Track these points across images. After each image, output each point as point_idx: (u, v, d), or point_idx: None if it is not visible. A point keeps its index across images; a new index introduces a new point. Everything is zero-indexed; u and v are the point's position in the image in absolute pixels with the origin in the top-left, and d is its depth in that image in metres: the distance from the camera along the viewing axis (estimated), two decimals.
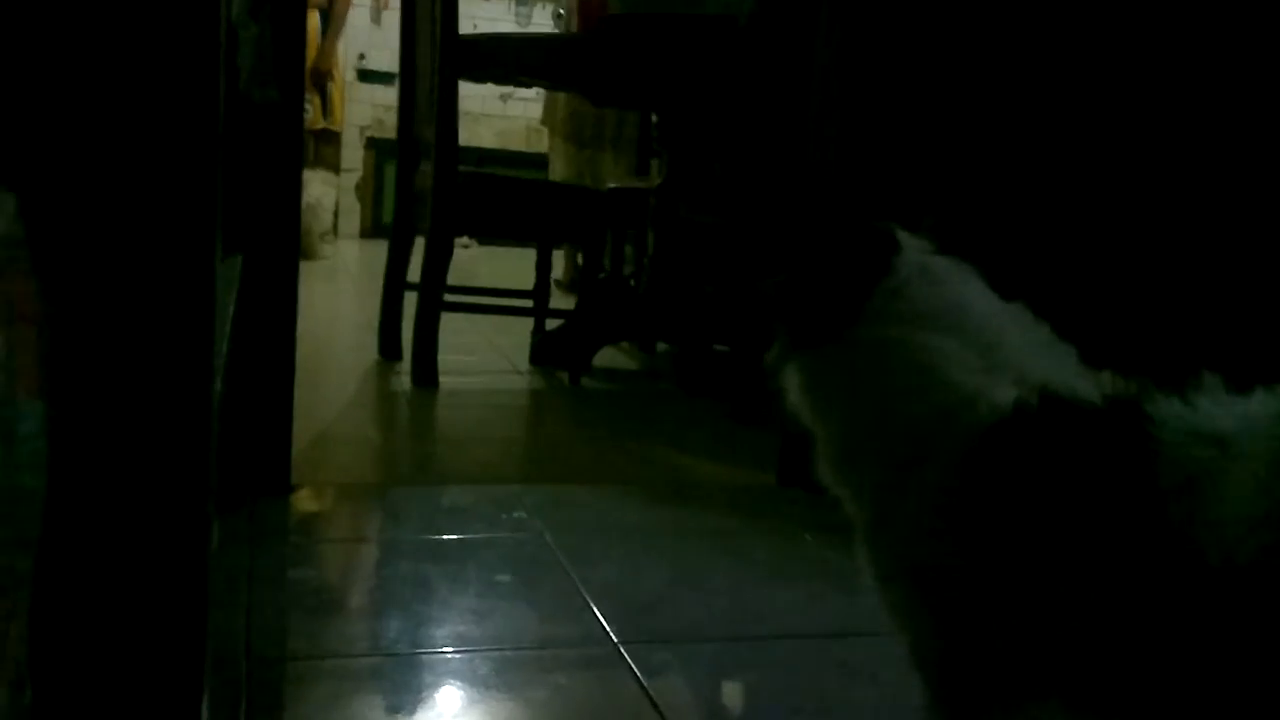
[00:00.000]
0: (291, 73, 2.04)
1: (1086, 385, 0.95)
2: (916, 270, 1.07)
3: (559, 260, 5.47)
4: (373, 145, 8.42)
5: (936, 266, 1.08)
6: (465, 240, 6.73)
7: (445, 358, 3.28)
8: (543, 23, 8.10)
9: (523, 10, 8.34)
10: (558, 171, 5.43)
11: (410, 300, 3.43)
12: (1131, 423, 0.87)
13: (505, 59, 3.54)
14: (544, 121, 5.80)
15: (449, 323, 3.32)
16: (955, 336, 1.02)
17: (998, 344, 1.01)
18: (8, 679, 0.69)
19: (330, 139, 7.52)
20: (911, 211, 1.13)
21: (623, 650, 1.49)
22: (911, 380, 1.02)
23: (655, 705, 1.35)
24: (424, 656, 1.47)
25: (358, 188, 8.43)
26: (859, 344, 1.06)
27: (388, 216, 7.64)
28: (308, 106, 7.00)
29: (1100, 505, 0.88)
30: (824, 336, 1.09)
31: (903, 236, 1.09)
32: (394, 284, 3.61)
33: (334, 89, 7.40)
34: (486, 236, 6.06)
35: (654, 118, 4.28)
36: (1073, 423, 0.92)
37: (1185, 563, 0.82)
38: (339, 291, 5.54)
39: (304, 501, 2.12)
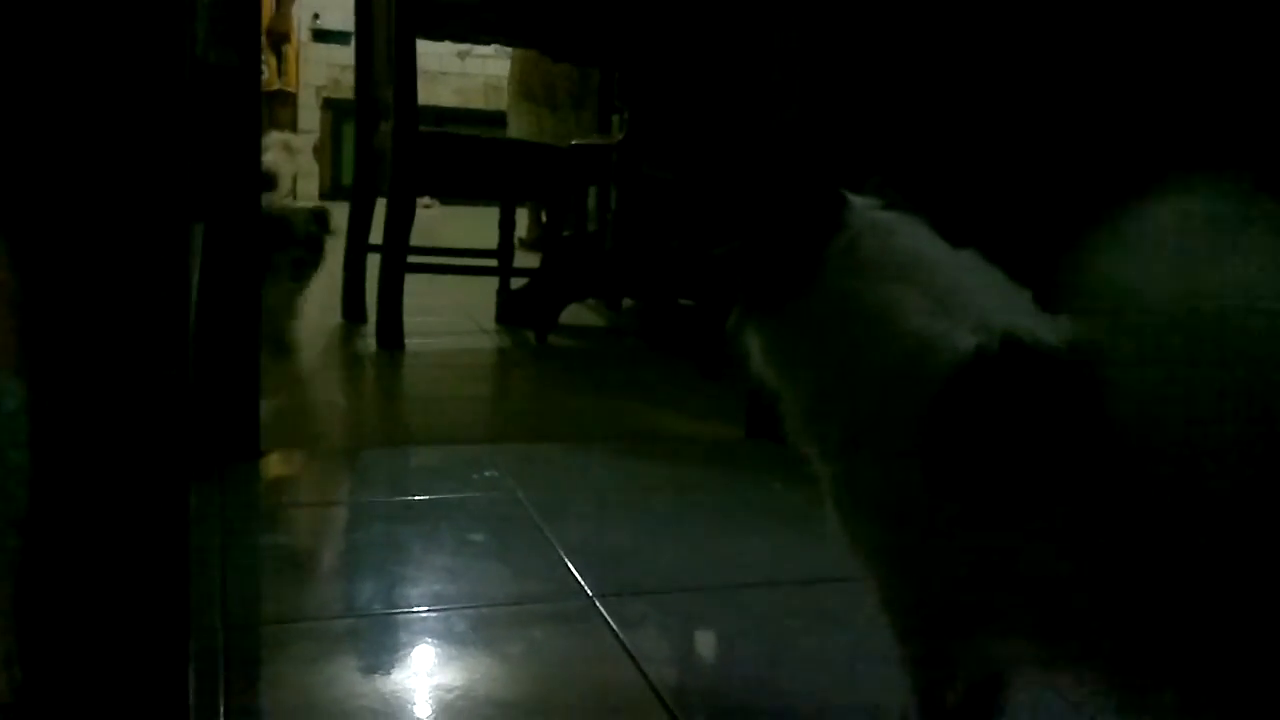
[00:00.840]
0: (248, 35, 2.01)
1: (1047, 329, 0.96)
2: (867, 224, 1.08)
3: (522, 218, 5.45)
4: (330, 106, 8.33)
5: (886, 220, 1.09)
6: (427, 200, 6.69)
7: (410, 319, 3.27)
8: None
9: None
10: (516, 131, 5.40)
11: (373, 262, 3.41)
12: (1092, 366, 0.89)
13: (463, 16, 3.51)
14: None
15: (413, 284, 3.30)
16: (911, 285, 1.03)
17: (953, 290, 1.03)
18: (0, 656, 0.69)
19: (286, 100, 7.44)
20: (864, 170, 1.14)
21: (598, 603, 1.51)
22: (871, 331, 1.03)
23: (631, 656, 1.36)
24: (400, 616, 1.48)
25: (315, 149, 8.35)
26: (814, 301, 1.07)
27: (347, 178, 7.55)
28: (264, 68, 6.92)
29: (1061, 447, 0.90)
30: (779, 298, 1.10)
31: (849, 195, 1.10)
32: (356, 246, 3.59)
33: (289, 50, 7.32)
34: (448, 196, 6.02)
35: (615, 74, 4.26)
36: (1034, 366, 0.93)
37: (1143, 501, 0.84)
38: None
39: (273, 466, 2.12)
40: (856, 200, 1.10)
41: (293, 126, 7.58)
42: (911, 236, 1.08)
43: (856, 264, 1.06)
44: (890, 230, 1.08)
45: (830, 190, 1.10)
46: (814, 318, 1.08)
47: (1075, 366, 0.91)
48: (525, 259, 4.20)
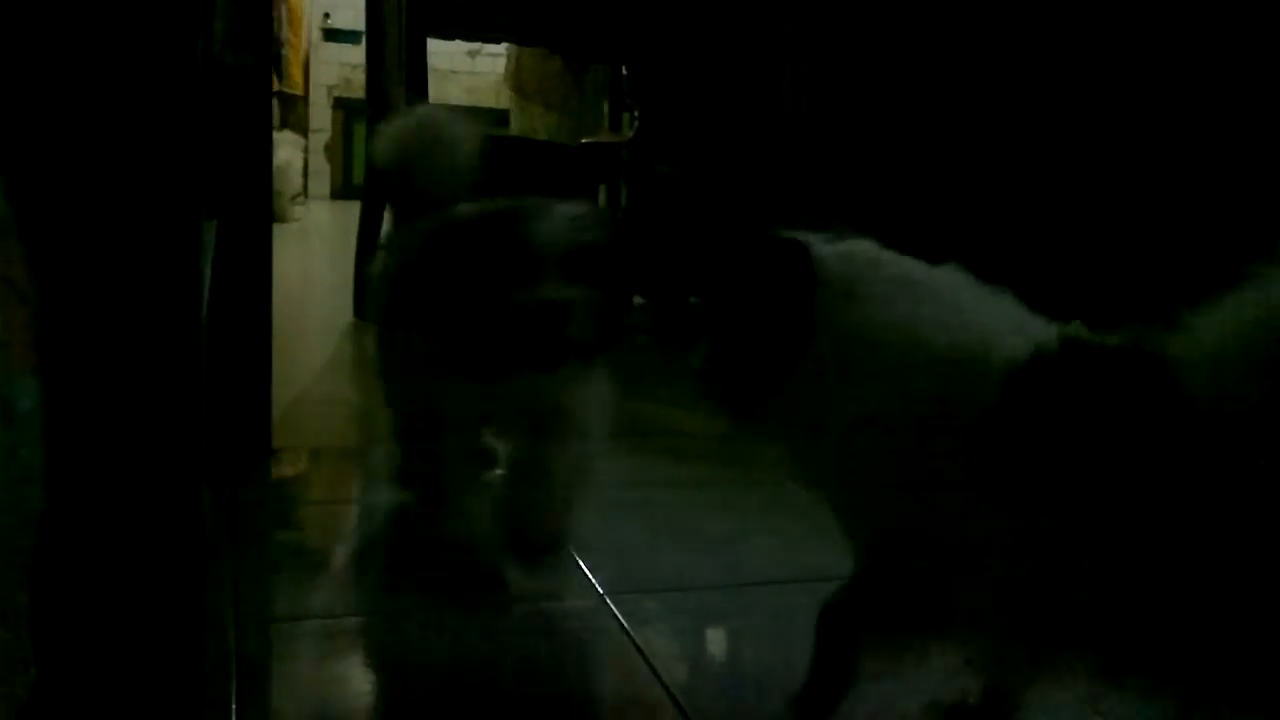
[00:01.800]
0: (260, 35, 2.02)
1: (1047, 331, 0.98)
2: (840, 263, 1.05)
3: None
4: (341, 105, 8.34)
5: (861, 251, 1.07)
6: None
7: None
8: None
9: None
10: (516, 128, 5.40)
11: None
12: (1155, 358, 0.90)
13: (473, 14, 3.51)
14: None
15: None
16: (922, 306, 1.01)
17: (958, 303, 1.02)
18: (15, 657, 0.70)
19: (289, 103, 7.42)
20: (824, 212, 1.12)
21: (609, 601, 1.51)
22: (907, 356, 1.00)
23: (643, 654, 1.36)
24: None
25: (327, 148, 8.36)
26: (830, 352, 1.05)
27: (358, 177, 7.55)
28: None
29: (1137, 430, 0.89)
30: (776, 387, 1.09)
31: (813, 241, 1.07)
32: (367, 245, 3.60)
33: (289, 51, 7.28)
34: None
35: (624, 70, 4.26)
36: (1100, 362, 0.94)
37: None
38: (312, 254, 5.50)
39: (285, 464, 2.13)
40: (820, 246, 1.06)
41: (304, 129, 7.58)
42: (894, 264, 1.06)
43: (855, 301, 1.03)
44: (869, 261, 1.06)
45: (788, 246, 1.07)
46: (832, 375, 1.05)
47: (1142, 360, 0.91)
48: None
